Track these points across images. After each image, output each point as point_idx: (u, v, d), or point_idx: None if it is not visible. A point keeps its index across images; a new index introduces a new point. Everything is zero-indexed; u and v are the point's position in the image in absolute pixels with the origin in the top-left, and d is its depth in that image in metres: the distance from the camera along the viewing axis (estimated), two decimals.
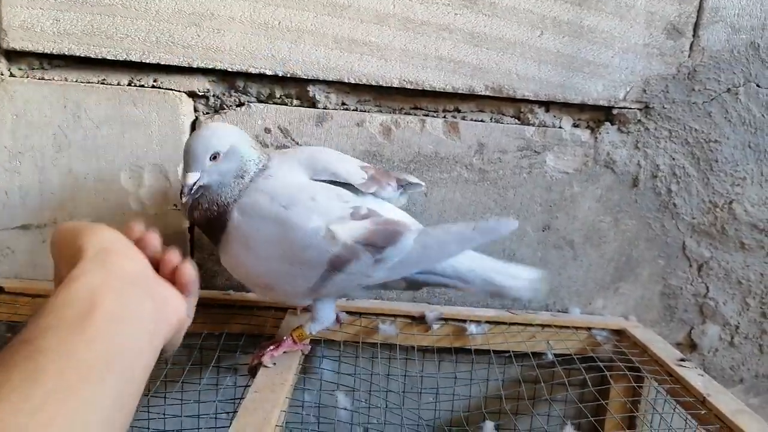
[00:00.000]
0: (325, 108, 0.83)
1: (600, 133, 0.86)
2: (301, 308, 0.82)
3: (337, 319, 0.81)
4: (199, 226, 0.67)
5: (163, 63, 0.79)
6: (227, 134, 0.63)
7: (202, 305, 0.80)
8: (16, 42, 0.77)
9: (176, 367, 0.82)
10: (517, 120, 0.86)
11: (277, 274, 0.62)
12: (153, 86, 0.81)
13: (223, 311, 0.82)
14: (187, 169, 0.62)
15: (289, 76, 0.80)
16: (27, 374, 0.32)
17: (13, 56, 0.79)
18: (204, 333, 0.81)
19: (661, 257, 0.90)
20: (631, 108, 0.85)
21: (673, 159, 0.86)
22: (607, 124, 0.86)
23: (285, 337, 0.68)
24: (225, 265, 0.65)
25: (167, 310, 0.44)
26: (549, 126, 0.85)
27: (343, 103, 0.84)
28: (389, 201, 0.67)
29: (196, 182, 0.61)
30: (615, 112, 0.85)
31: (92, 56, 0.78)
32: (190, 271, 0.47)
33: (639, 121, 0.85)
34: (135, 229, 0.49)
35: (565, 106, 0.85)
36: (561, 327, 0.86)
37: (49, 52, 0.78)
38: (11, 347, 0.34)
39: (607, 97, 0.84)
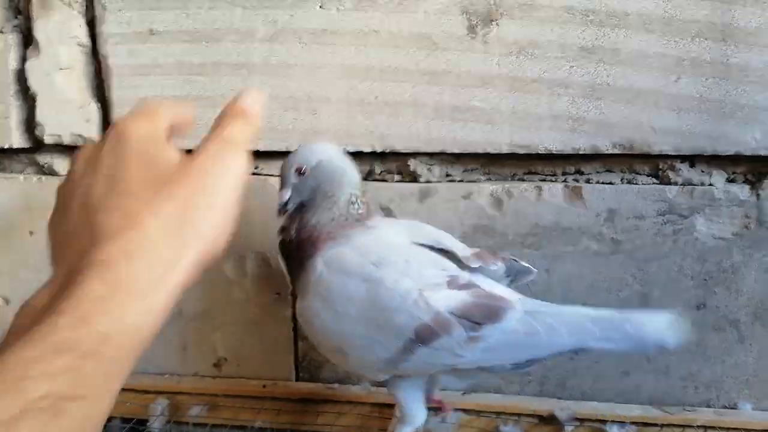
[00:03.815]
0: (427, 182, 0.76)
1: (763, 189, 0.70)
2: None
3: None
4: (282, 251, 0.64)
5: (262, 149, 0.77)
6: (317, 150, 0.63)
7: (308, 401, 0.77)
8: None
9: None
10: (654, 179, 0.73)
11: (353, 336, 0.56)
12: (254, 173, 0.80)
13: (328, 408, 0.75)
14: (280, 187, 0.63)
15: (388, 151, 0.75)
16: None
17: None
18: None
19: None
20: None
21: None
22: None
23: None
24: (299, 313, 0.60)
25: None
26: (696, 184, 0.71)
27: (448, 175, 0.77)
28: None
29: (287, 200, 0.62)
30: None
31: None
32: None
33: None
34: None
35: (715, 159, 0.71)
36: (729, 429, 0.70)
37: None
38: None
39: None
